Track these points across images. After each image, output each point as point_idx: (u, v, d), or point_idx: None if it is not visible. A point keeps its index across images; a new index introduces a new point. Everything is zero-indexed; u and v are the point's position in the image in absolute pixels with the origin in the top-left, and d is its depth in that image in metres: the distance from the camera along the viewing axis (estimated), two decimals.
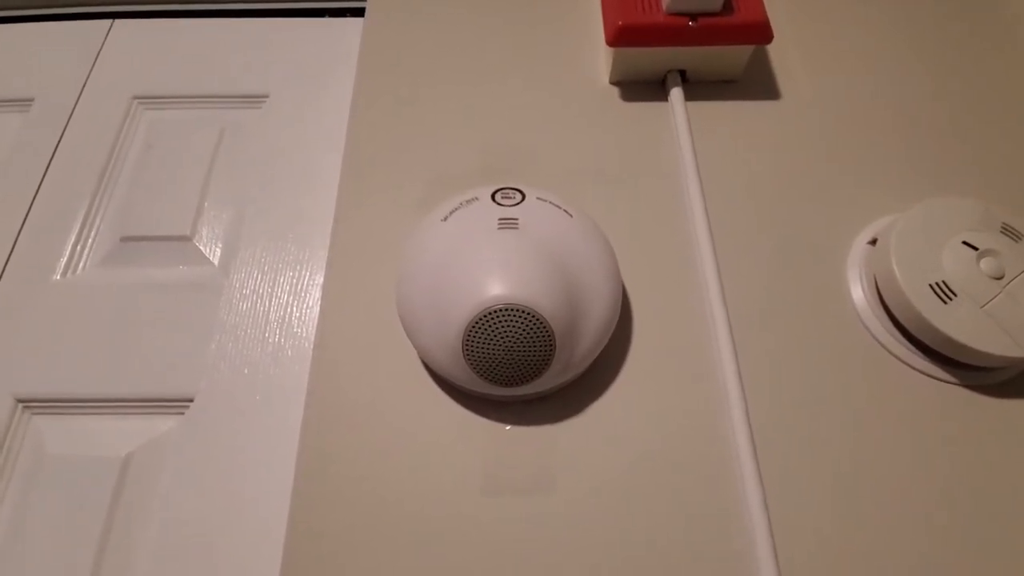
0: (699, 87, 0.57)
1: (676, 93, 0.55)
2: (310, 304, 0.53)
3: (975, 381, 0.44)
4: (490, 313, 0.37)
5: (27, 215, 0.58)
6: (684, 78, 0.57)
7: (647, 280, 0.48)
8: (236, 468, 0.47)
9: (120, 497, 0.46)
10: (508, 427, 0.43)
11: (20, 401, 0.49)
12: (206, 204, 0.58)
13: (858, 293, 0.47)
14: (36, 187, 0.59)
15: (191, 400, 0.49)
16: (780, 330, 0.46)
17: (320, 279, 0.54)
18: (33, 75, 0.66)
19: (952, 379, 0.44)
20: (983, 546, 0.39)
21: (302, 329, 0.52)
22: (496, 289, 0.38)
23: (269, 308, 0.53)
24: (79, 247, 0.56)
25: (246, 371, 0.50)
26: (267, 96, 0.64)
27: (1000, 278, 0.42)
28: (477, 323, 0.37)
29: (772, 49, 0.59)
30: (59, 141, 0.62)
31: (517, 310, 0.37)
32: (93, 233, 0.57)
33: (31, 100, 0.65)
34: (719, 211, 0.51)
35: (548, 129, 0.55)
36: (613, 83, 0.58)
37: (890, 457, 0.42)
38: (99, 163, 0.61)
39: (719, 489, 0.41)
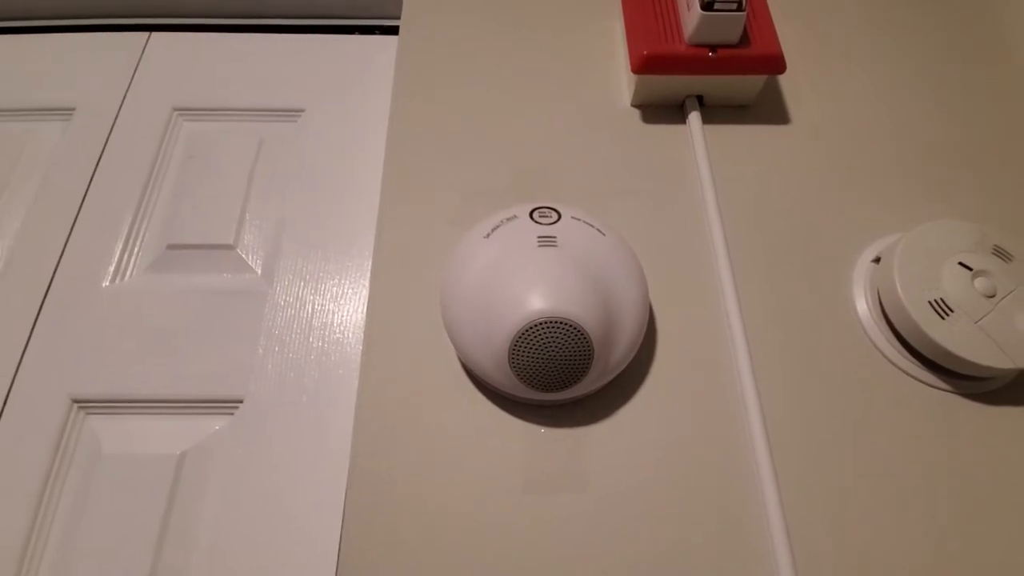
0: (714, 111, 0.61)
1: (694, 117, 0.59)
2: (351, 310, 0.56)
3: (969, 390, 0.48)
4: (535, 325, 0.41)
5: (74, 222, 0.60)
6: (701, 103, 0.60)
7: (668, 291, 0.52)
8: (286, 465, 0.50)
9: (176, 494, 0.49)
10: (543, 429, 0.47)
11: (76, 401, 0.52)
12: (247, 214, 0.61)
13: (863, 307, 0.51)
14: (82, 195, 0.62)
15: (240, 401, 0.52)
16: (791, 340, 0.50)
17: (360, 287, 0.57)
18: (74, 85, 0.69)
19: (948, 387, 0.48)
20: (979, 543, 0.44)
21: (344, 334, 0.55)
22: (540, 303, 0.41)
23: (312, 315, 0.56)
24: (126, 254, 0.59)
25: (292, 374, 0.53)
26: (303, 110, 0.67)
27: (992, 296, 0.46)
28: (523, 334, 0.41)
29: (783, 77, 0.64)
30: (103, 150, 0.65)
31: (559, 322, 0.41)
32: (139, 241, 0.60)
33: (72, 109, 0.68)
34: (735, 228, 0.55)
35: (574, 148, 0.59)
36: (635, 106, 0.61)
37: (891, 458, 0.46)
38: (142, 172, 0.63)
39: (737, 490, 0.45)
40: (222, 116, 0.68)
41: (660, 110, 0.61)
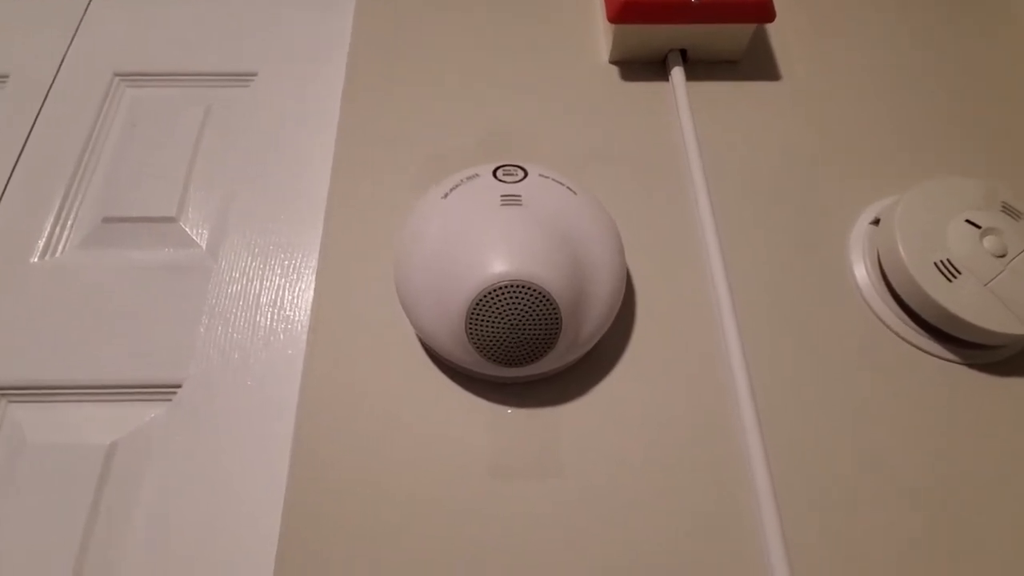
0: (700, 67, 0.56)
1: (677, 73, 0.55)
2: (303, 287, 0.51)
3: (977, 360, 0.44)
4: (495, 290, 0.36)
5: (2, 194, 0.55)
6: (684, 58, 0.56)
7: (649, 260, 0.48)
8: (227, 455, 0.45)
9: (104, 487, 0.44)
10: (510, 410, 0.42)
11: None
12: (192, 185, 0.56)
13: (861, 272, 0.47)
14: (12, 165, 0.57)
15: (179, 386, 0.47)
16: (784, 310, 0.46)
17: (313, 261, 0.52)
18: (7, 50, 0.64)
19: (954, 357, 0.44)
20: (983, 520, 0.39)
21: (295, 312, 0.50)
22: (500, 265, 0.36)
23: (260, 291, 0.51)
24: (59, 228, 0.54)
25: (236, 355, 0.48)
26: (255, 74, 0.62)
27: (1003, 256, 0.41)
28: (481, 300, 0.36)
29: (773, 30, 0.59)
30: (36, 118, 0.59)
31: (522, 286, 0.36)
32: (74, 214, 0.55)
33: (6, 76, 0.62)
34: (721, 191, 0.50)
35: (547, 108, 0.54)
36: (613, 62, 0.57)
37: (893, 436, 0.42)
38: (79, 141, 0.58)
39: (725, 471, 0.41)
40: (168, 82, 0.62)
41: (640, 67, 0.57)
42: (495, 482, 0.40)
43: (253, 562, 0.42)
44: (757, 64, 0.57)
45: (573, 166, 0.51)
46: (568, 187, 0.42)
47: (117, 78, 0.62)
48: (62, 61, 0.63)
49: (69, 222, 0.55)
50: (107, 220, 0.54)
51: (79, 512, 0.44)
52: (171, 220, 0.54)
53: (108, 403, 0.47)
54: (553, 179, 0.43)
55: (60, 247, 0.53)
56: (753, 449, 0.40)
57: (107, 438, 0.46)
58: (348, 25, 0.61)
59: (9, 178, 0.56)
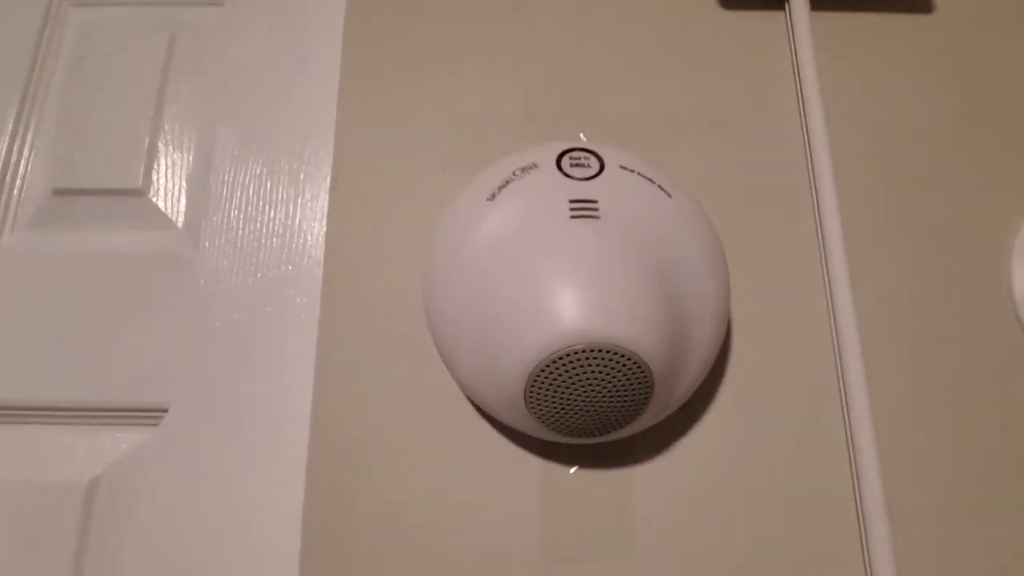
0: None
1: (800, 2, 0.40)
2: (309, 270, 0.41)
3: None
4: (567, 355, 0.26)
5: None
6: None
7: (752, 274, 0.37)
8: (228, 490, 0.38)
9: (88, 531, 0.38)
10: (573, 470, 0.34)
11: None
12: (160, 143, 0.45)
13: (1022, 290, 0.36)
14: None
15: (165, 410, 0.39)
16: (921, 338, 0.36)
17: (320, 235, 0.41)
18: None
19: None
20: None
21: (304, 300, 0.40)
22: (575, 320, 0.26)
23: (258, 283, 0.41)
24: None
25: (233, 366, 0.40)
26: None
27: None
28: (548, 367, 0.26)
29: None
30: None
31: (606, 350, 0.26)
32: (18, 184, 0.44)
33: None
34: (846, 171, 0.38)
35: (620, 55, 0.41)
36: None
37: None
38: (16, 81, 0.46)
39: (837, 551, 0.33)
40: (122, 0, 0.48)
41: None
42: (553, 564, 0.32)
43: None
44: None
45: (658, 139, 0.39)
46: (660, 186, 0.31)
47: None
48: None
49: (15, 194, 0.44)
50: (59, 192, 0.43)
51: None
52: (137, 193, 0.43)
53: (77, 427, 0.40)
54: (640, 174, 0.31)
55: (5, 229, 0.43)
56: (876, 534, 0.32)
57: (85, 474, 0.38)
58: None
59: None
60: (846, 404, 0.34)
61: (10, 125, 0.45)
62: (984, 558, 0.32)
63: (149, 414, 0.40)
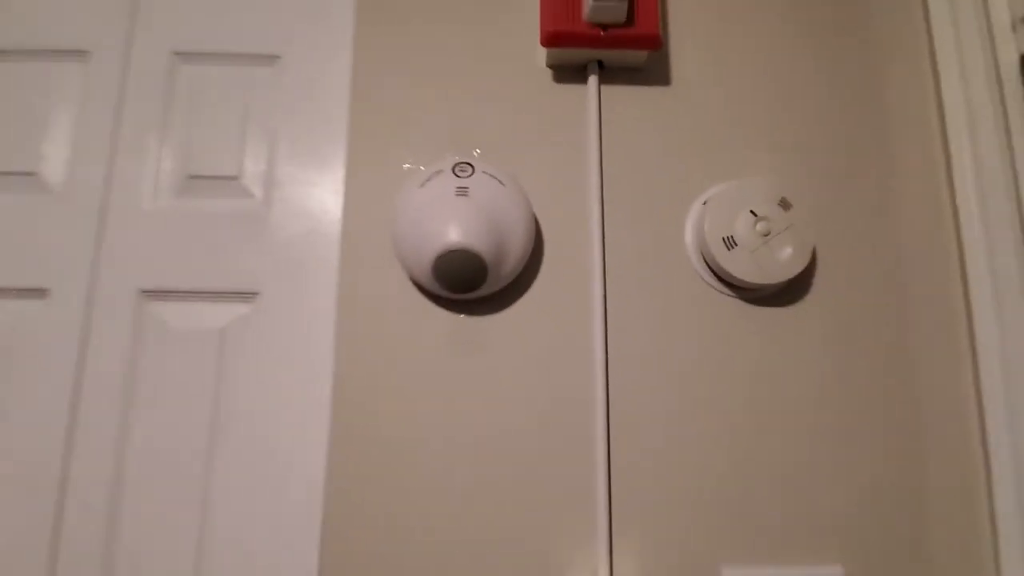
0: (614, 72, 0.77)
1: (593, 80, 0.75)
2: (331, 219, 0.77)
3: (748, 297, 0.71)
4: (448, 251, 0.62)
5: (111, 166, 0.78)
6: (602, 66, 0.76)
7: (554, 226, 0.73)
8: (294, 341, 0.74)
9: (222, 359, 0.74)
10: (462, 316, 0.70)
11: (143, 291, 0.75)
12: (247, 149, 0.79)
13: (689, 238, 0.73)
14: (110, 128, 0.79)
15: (258, 293, 0.75)
16: (641, 262, 0.72)
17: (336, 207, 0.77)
18: (83, 27, 0.82)
19: (735, 295, 0.71)
20: (757, 417, 0.70)
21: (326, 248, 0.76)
22: (452, 237, 0.62)
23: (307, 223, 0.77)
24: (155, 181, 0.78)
25: (294, 272, 0.76)
26: (279, 57, 0.82)
27: (767, 235, 0.67)
28: (441, 256, 0.63)
29: (673, 41, 0.78)
30: (119, 90, 0.80)
31: (463, 249, 0.62)
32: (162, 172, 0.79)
33: (88, 52, 0.82)
34: (613, 174, 0.74)
35: (497, 104, 0.76)
36: (549, 66, 0.77)
37: (700, 349, 0.70)
38: (156, 112, 0.80)
39: (577, 367, 0.70)
40: (211, 61, 0.82)
41: (569, 71, 0.77)
42: (453, 357, 0.69)
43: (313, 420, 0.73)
44: (657, 72, 0.77)
45: (511, 149, 0.75)
46: (500, 181, 0.67)
47: (175, 56, 0.82)
48: (131, 39, 0.82)
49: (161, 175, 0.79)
50: (192, 177, 0.78)
51: (207, 379, 0.74)
52: (234, 178, 0.78)
53: (214, 303, 0.75)
54: (491, 175, 0.67)
55: (161, 196, 0.78)
56: (597, 355, 0.69)
57: (217, 324, 0.75)
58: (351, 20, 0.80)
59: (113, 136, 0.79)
60: (593, 294, 0.71)
61: (155, 136, 0.79)
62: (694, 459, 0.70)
63: (249, 294, 0.75)
